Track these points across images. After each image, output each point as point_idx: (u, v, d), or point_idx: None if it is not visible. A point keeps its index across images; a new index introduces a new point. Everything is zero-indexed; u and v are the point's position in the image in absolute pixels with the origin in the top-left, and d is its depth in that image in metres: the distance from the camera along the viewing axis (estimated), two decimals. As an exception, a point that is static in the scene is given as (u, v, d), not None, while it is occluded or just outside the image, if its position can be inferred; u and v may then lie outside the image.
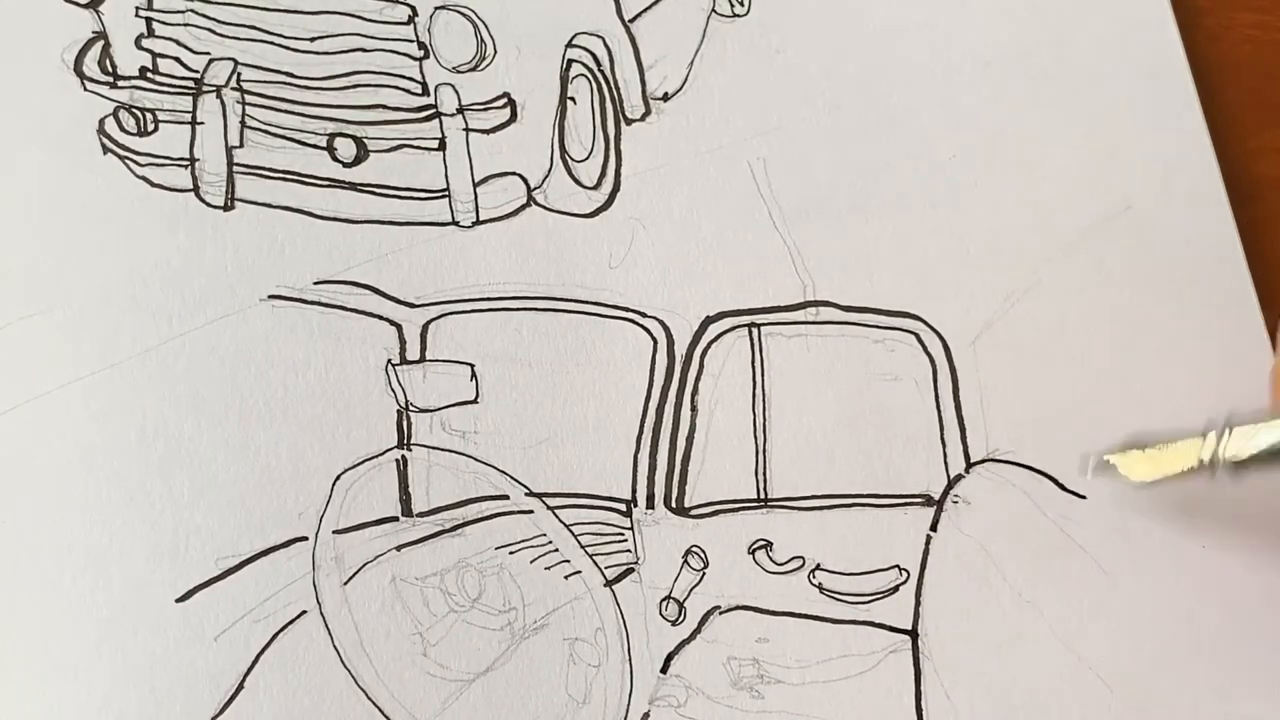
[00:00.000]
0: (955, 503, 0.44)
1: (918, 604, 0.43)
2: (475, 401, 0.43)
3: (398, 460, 0.42)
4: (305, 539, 0.41)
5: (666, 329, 0.44)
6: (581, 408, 0.43)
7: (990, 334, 0.46)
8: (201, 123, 0.44)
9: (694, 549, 0.43)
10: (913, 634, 0.43)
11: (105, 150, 0.43)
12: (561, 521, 0.42)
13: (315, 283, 0.43)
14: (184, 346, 0.42)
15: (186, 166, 0.44)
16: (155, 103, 0.44)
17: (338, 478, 0.41)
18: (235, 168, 0.44)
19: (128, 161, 0.43)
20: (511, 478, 0.42)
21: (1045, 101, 0.49)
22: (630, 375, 0.44)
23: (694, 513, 0.43)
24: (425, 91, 0.46)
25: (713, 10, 0.49)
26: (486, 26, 0.47)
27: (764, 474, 0.43)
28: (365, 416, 0.42)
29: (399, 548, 0.41)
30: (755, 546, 0.43)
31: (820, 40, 0.49)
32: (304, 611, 0.40)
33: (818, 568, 0.43)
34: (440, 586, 0.41)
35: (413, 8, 0.46)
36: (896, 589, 0.43)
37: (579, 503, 0.42)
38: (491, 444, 0.43)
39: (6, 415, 0.40)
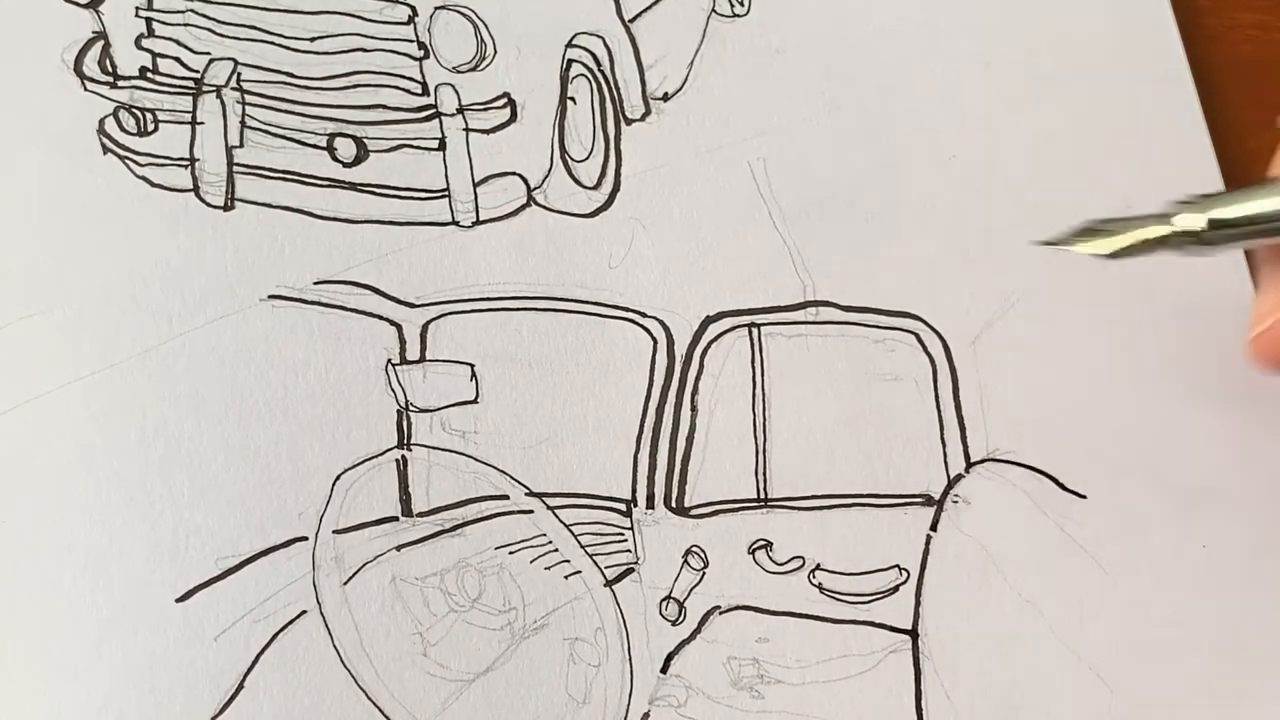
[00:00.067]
0: (955, 503, 0.44)
1: (918, 604, 0.43)
2: (475, 401, 0.43)
3: (398, 460, 0.42)
4: (305, 539, 0.41)
5: (666, 329, 0.44)
6: (581, 408, 0.43)
7: (990, 334, 0.46)
8: (201, 123, 0.44)
9: (694, 549, 0.43)
10: (913, 634, 0.43)
11: (105, 150, 0.43)
12: (561, 521, 0.42)
13: (315, 283, 0.43)
14: (184, 346, 0.42)
15: (186, 166, 0.44)
16: (155, 103, 0.44)
17: (338, 478, 0.41)
18: (235, 168, 0.44)
19: (128, 161, 0.43)
20: (511, 478, 0.42)
21: (1045, 101, 0.49)
22: (630, 375, 0.44)
23: (694, 513, 0.43)
24: (425, 91, 0.46)
25: (713, 10, 0.49)
26: (486, 26, 0.47)
27: (764, 474, 0.43)
28: (365, 416, 0.42)
29: (399, 548, 0.41)
30: (755, 546, 0.43)
31: (820, 40, 0.49)
32: (304, 611, 0.40)
33: (818, 568, 0.43)
34: (440, 586, 0.41)
35: (413, 8, 0.46)
36: (896, 589, 0.43)
37: (579, 503, 0.42)
38: (491, 444, 0.43)
39: (6, 415, 0.40)
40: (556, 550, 0.42)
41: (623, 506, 0.43)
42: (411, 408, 0.42)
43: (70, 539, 0.39)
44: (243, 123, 0.44)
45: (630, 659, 0.41)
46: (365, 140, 0.45)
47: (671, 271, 0.45)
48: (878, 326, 0.46)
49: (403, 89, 0.46)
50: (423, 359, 0.43)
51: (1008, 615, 0.43)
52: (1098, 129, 0.49)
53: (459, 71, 0.46)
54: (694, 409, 0.44)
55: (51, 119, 0.43)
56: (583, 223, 0.45)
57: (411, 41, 0.46)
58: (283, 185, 0.44)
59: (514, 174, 0.46)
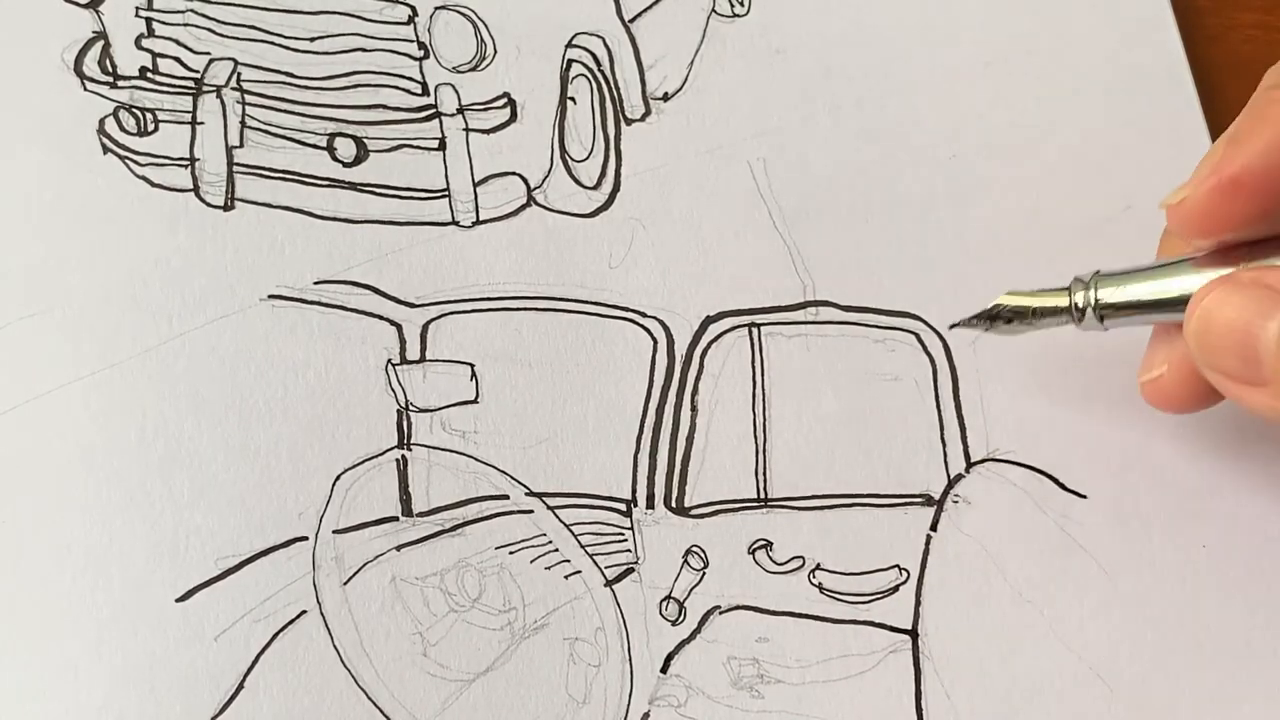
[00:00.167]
0: (955, 503, 0.44)
1: (918, 604, 0.43)
2: (475, 401, 0.43)
3: (398, 460, 0.42)
4: (305, 539, 0.41)
5: (666, 329, 0.44)
6: (581, 408, 0.43)
7: (990, 334, 0.46)
8: (201, 123, 0.44)
9: (694, 549, 0.43)
10: (913, 634, 0.43)
11: (105, 150, 0.43)
12: (561, 521, 0.42)
13: (315, 283, 0.43)
14: (184, 346, 0.42)
15: (186, 166, 0.44)
16: (155, 103, 0.44)
17: (338, 478, 0.41)
18: (235, 168, 0.44)
19: (128, 161, 0.43)
20: (511, 478, 0.42)
21: (1045, 101, 0.49)
22: (630, 375, 0.44)
23: (694, 513, 0.43)
24: (425, 91, 0.46)
25: (713, 10, 0.49)
26: (486, 26, 0.47)
27: (764, 474, 0.43)
28: (365, 416, 0.42)
29: (399, 548, 0.41)
30: (755, 546, 0.43)
31: (820, 40, 0.49)
32: (304, 611, 0.40)
33: (818, 567, 0.43)
34: (440, 586, 0.41)
35: (413, 8, 0.46)
36: (896, 589, 0.43)
37: (579, 503, 0.42)
38: (491, 444, 0.43)
39: (6, 415, 0.40)
40: (556, 550, 0.42)
41: (623, 506, 0.43)
42: (411, 408, 0.42)
43: (70, 539, 0.39)
44: (243, 123, 0.44)
45: (630, 659, 0.41)
46: (365, 140, 0.45)
47: (671, 271, 0.45)
48: (878, 326, 0.46)
49: (403, 89, 0.46)
50: (423, 359, 0.43)
51: (1008, 615, 0.43)
52: (1098, 129, 0.49)
53: (459, 71, 0.46)
54: (694, 409, 0.44)
55: (51, 119, 0.43)
56: (583, 223, 0.45)
57: (411, 41, 0.46)
58: (283, 185, 0.44)
59: (514, 174, 0.46)
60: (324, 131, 0.45)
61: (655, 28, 0.48)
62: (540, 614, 0.41)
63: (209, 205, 0.43)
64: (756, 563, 0.43)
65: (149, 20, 0.45)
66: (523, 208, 0.45)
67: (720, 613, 0.42)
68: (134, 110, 0.44)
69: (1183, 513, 0.45)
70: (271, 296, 0.43)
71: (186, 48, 0.45)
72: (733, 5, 0.49)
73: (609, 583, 0.42)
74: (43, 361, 0.41)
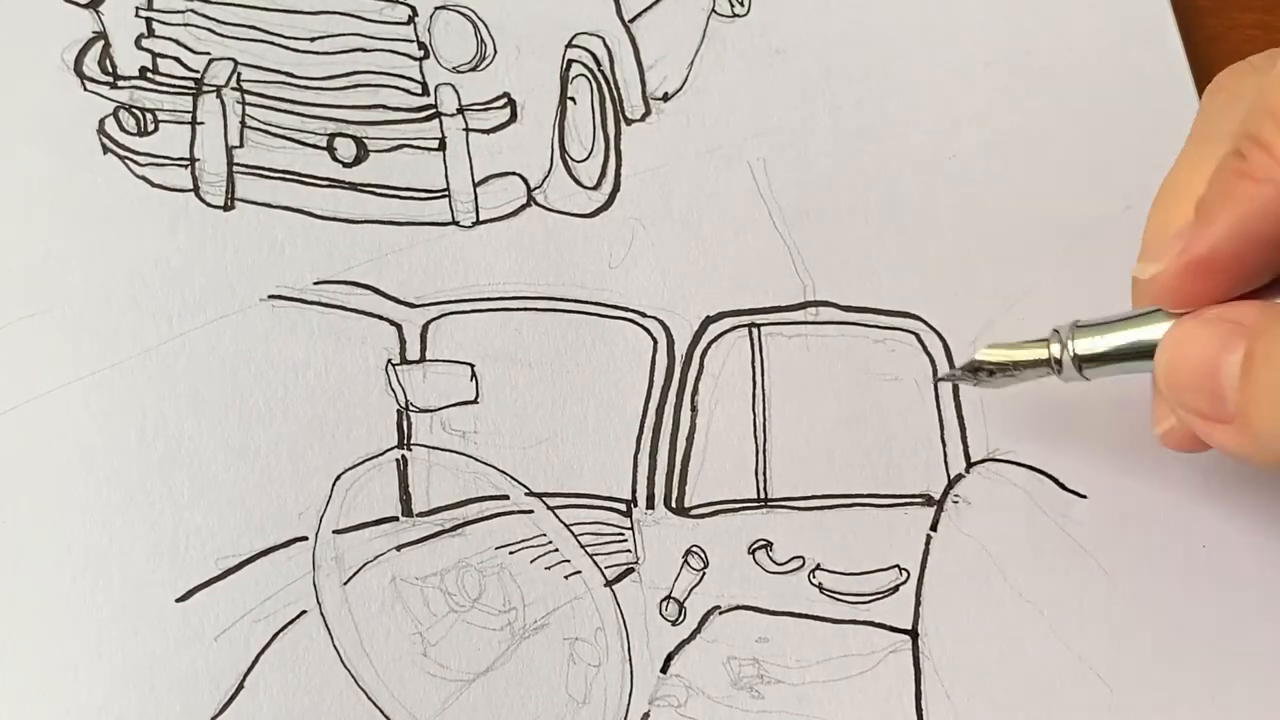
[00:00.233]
0: (955, 503, 0.44)
1: (918, 604, 0.43)
2: (475, 401, 0.43)
3: (398, 460, 0.42)
4: (305, 539, 0.41)
5: (666, 329, 0.44)
6: (581, 408, 0.43)
7: (990, 334, 0.46)
8: (201, 123, 0.44)
9: (694, 549, 0.43)
10: (913, 634, 0.43)
11: (105, 150, 0.43)
12: (561, 521, 0.42)
13: (315, 283, 0.43)
14: (184, 346, 0.42)
15: (186, 166, 0.44)
16: (155, 103, 0.44)
17: (338, 478, 0.41)
18: (235, 168, 0.44)
19: (128, 161, 0.43)
20: (511, 478, 0.42)
21: (1045, 101, 0.49)
22: (630, 375, 0.44)
23: (694, 513, 0.43)
24: (425, 91, 0.46)
25: (713, 10, 0.49)
26: (486, 26, 0.47)
27: (764, 474, 0.43)
28: (365, 416, 0.42)
29: (399, 548, 0.41)
30: (755, 546, 0.43)
31: (820, 40, 0.49)
32: (304, 611, 0.40)
33: (818, 568, 0.43)
34: (440, 586, 0.41)
35: (413, 8, 0.46)
36: (896, 589, 0.43)
37: (579, 503, 0.42)
38: (491, 444, 0.43)
39: (6, 415, 0.40)
40: (556, 550, 0.42)
41: (623, 506, 0.43)
42: (411, 408, 0.42)
43: (70, 539, 0.39)
44: (243, 123, 0.44)
45: (630, 659, 0.41)
46: (365, 140, 0.45)
47: (671, 271, 0.45)
48: (878, 326, 0.46)
49: (403, 89, 0.46)
50: (423, 359, 0.43)
51: (1008, 615, 0.43)
52: (1098, 129, 0.49)
53: (459, 71, 0.46)
54: (694, 409, 0.44)
55: (51, 119, 0.43)
56: (583, 223, 0.45)
57: (411, 41, 0.46)
58: (283, 185, 0.44)
59: (514, 174, 0.46)
60: (324, 131, 0.45)
61: (655, 28, 0.48)
62: (540, 614, 0.41)
63: (209, 205, 0.43)
64: (756, 563, 0.43)
65: (149, 20, 0.45)
66: (523, 208, 0.45)
67: (720, 613, 0.42)
68: (134, 110, 0.44)
69: (1183, 513, 0.45)
70: (271, 296, 0.43)
71: (186, 48, 0.45)
72: (733, 5, 0.49)
73: (609, 583, 0.42)
74: (43, 361, 0.41)
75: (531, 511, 0.42)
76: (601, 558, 0.42)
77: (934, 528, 0.44)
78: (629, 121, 0.47)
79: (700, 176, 0.46)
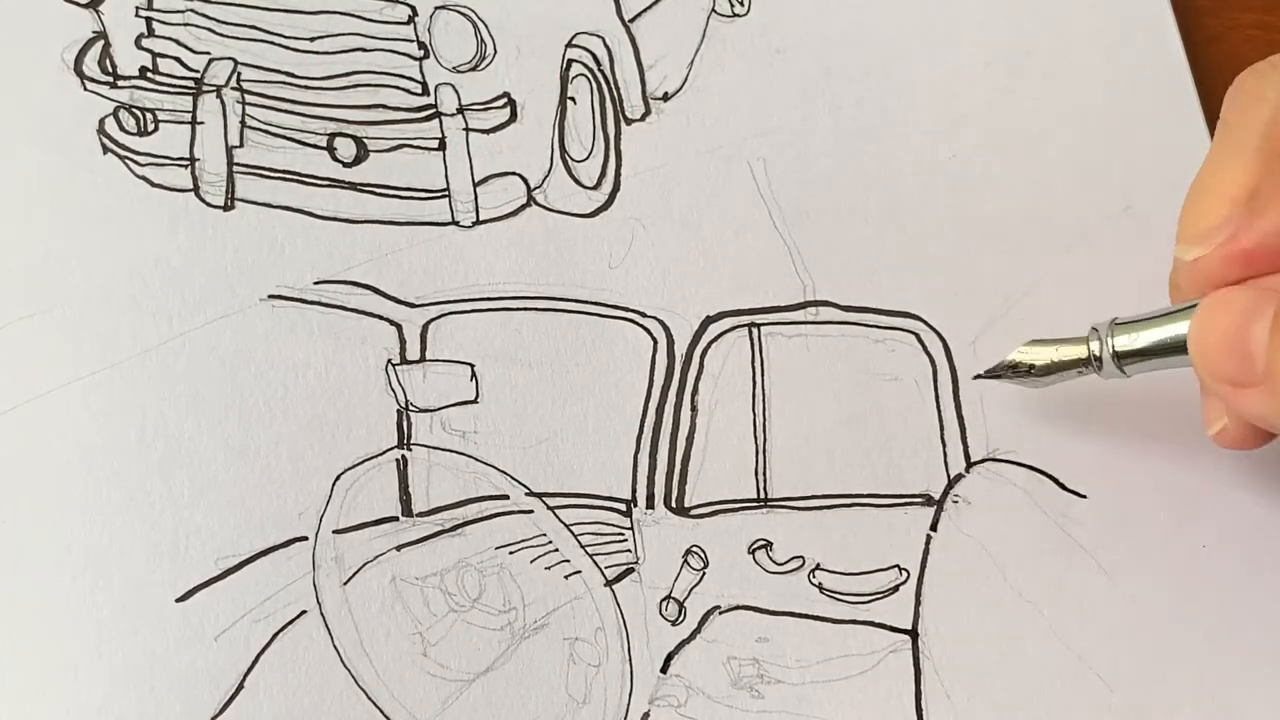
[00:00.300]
0: (955, 503, 0.44)
1: (918, 604, 0.43)
2: (475, 401, 0.43)
3: (398, 460, 0.42)
4: (305, 539, 0.41)
5: (666, 329, 0.44)
6: (581, 408, 0.43)
7: (990, 334, 0.46)
8: (201, 122, 0.44)
9: (694, 549, 0.43)
10: (913, 634, 0.43)
11: (105, 150, 0.43)
12: (561, 521, 0.42)
13: (315, 283, 0.43)
14: (184, 346, 0.42)
15: (186, 166, 0.44)
16: (155, 103, 0.44)
17: (338, 478, 0.41)
18: (235, 167, 0.44)
19: (128, 161, 0.43)
20: (511, 478, 0.42)
21: (1045, 101, 0.49)
22: (630, 375, 0.44)
23: (694, 513, 0.43)
24: (425, 91, 0.46)
25: (713, 10, 0.49)
26: (486, 26, 0.47)
27: (764, 474, 0.43)
28: (365, 416, 0.42)
29: (399, 548, 0.41)
30: (755, 546, 0.43)
31: (820, 40, 0.49)
32: (304, 611, 0.40)
33: (818, 567, 0.43)
34: (440, 586, 0.41)
35: (413, 8, 0.46)
36: (896, 589, 0.43)
37: (579, 503, 0.42)
38: (491, 444, 0.43)
39: (6, 415, 0.40)
40: (556, 550, 0.42)
41: (623, 506, 0.43)
42: (411, 408, 0.42)
43: (70, 539, 0.39)
44: (243, 123, 0.44)
45: (630, 659, 0.41)
46: (365, 140, 0.45)
47: (671, 271, 0.45)
48: (878, 326, 0.46)
49: (403, 89, 0.46)
50: (423, 359, 0.43)
51: (1008, 615, 0.43)
52: (1098, 129, 0.49)
53: (459, 71, 0.46)
54: (694, 409, 0.44)
55: (51, 119, 0.43)
56: (583, 223, 0.45)
57: (411, 41, 0.46)
58: (283, 185, 0.44)
59: (514, 174, 0.46)
60: (324, 131, 0.45)
61: (655, 28, 0.48)
62: (540, 614, 0.41)
63: (209, 205, 0.43)
64: (756, 563, 0.43)
65: (149, 20, 0.45)
66: (523, 208, 0.45)
67: (720, 613, 0.42)
68: (134, 110, 0.44)
69: (1183, 513, 0.45)
70: (271, 296, 0.43)
71: (186, 48, 0.45)
72: (733, 5, 0.49)
73: (609, 583, 0.42)
74: (43, 361, 0.41)
75: (531, 511, 0.42)
76: (601, 558, 0.42)
77: (934, 528, 0.44)
78: (629, 121, 0.47)
79: (700, 176, 0.46)
